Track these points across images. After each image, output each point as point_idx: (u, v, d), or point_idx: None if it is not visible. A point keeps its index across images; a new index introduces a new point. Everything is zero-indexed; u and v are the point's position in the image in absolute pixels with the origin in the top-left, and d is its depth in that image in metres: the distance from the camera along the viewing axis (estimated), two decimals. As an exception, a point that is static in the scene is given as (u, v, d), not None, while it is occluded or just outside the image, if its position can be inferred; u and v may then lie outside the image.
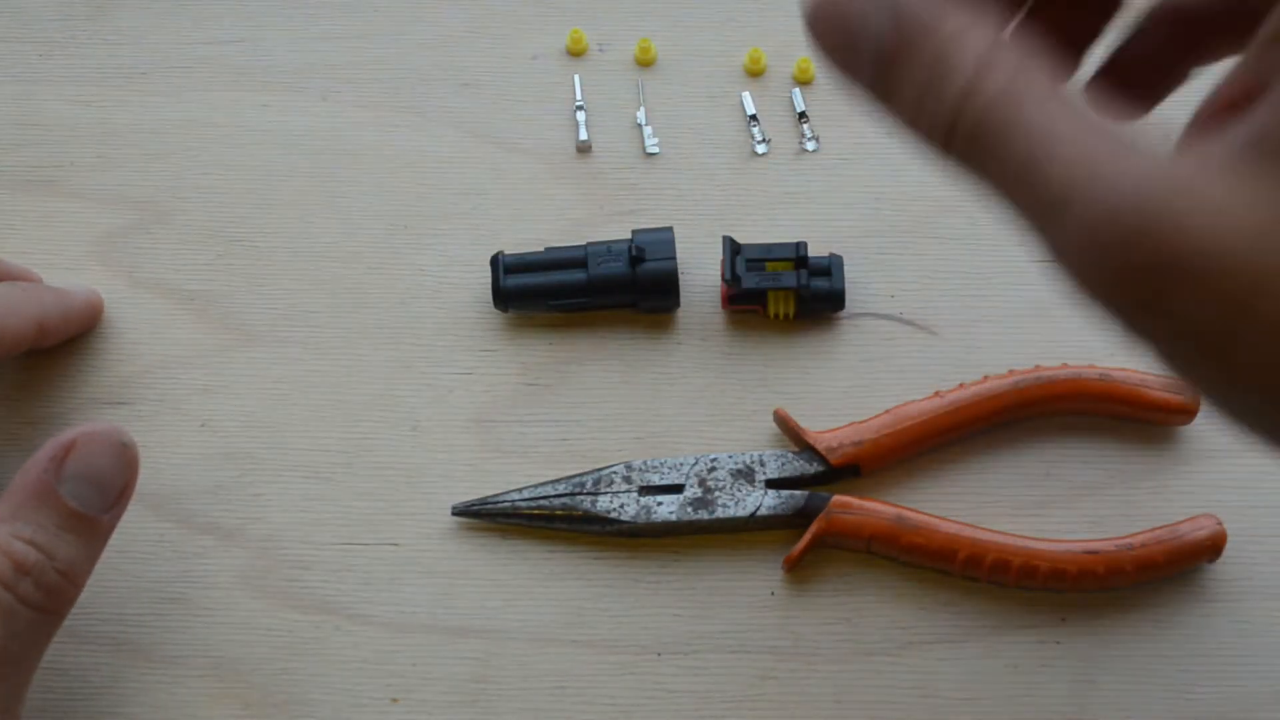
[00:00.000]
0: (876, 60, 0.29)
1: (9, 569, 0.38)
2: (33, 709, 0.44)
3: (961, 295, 0.50)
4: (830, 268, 0.49)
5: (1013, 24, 0.32)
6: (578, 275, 0.48)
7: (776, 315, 0.49)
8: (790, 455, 0.47)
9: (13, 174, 0.52)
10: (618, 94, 0.54)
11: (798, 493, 0.46)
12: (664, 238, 0.48)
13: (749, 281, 0.48)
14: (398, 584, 0.46)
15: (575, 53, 0.54)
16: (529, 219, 0.51)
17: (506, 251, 0.49)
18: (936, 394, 0.47)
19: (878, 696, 0.44)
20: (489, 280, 0.50)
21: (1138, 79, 0.35)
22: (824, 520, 0.45)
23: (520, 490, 0.46)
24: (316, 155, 0.52)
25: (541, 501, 0.46)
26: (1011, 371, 0.47)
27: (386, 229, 0.51)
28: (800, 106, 0.53)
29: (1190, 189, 0.25)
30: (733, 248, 0.48)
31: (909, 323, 0.50)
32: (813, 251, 0.49)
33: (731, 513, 0.46)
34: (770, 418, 0.48)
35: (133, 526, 0.46)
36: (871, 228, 0.51)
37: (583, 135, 0.52)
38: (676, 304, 0.49)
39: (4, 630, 0.38)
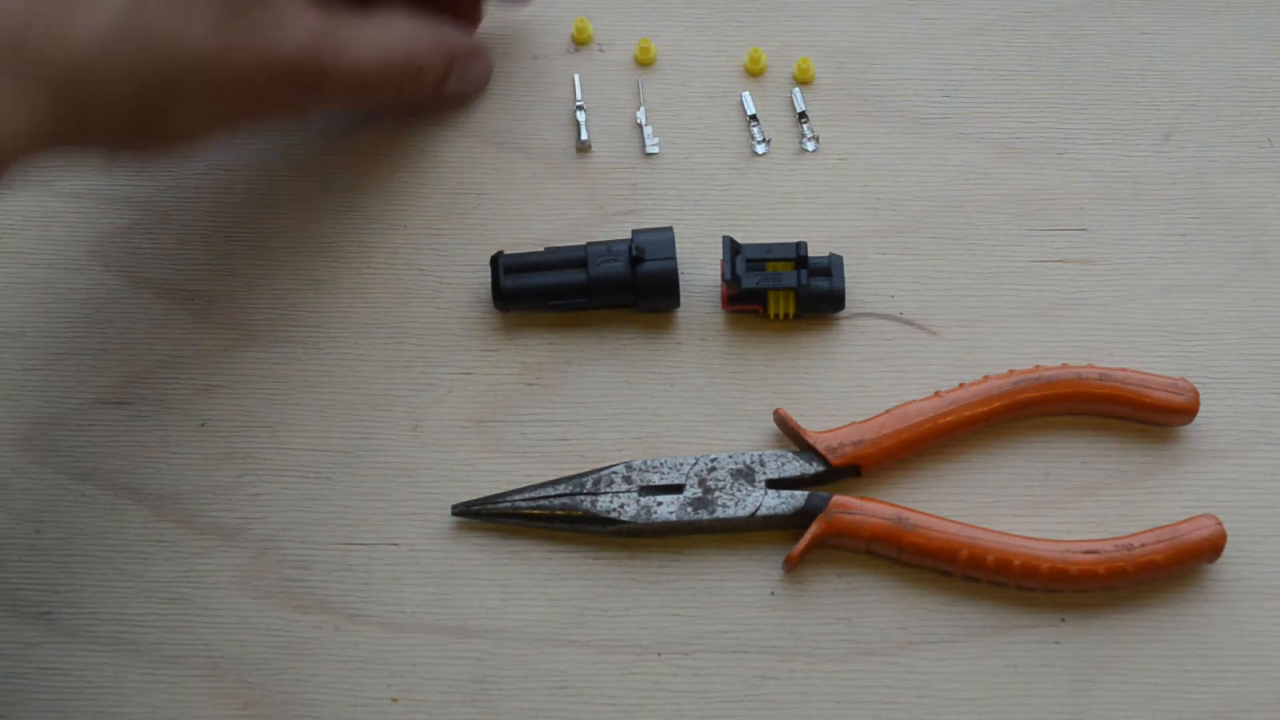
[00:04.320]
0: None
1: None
2: (33, 709, 0.44)
3: (961, 295, 0.50)
4: (830, 268, 0.49)
5: None
6: (578, 275, 0.48)
7: (776, 315, 0.49)
8: (790, 455, 0.47)
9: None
10: (618, 94, 0.54)
11: (798, 493, 0.46)
12: (664, 238, 0.48)
13: (749, 281, 0.48)
14: (397, 584, 0.46)
15: (581, 42, 0.54)
16: (529, 219, 0.51)
17: (506, 251, 0.49)
18: (936, 394, 0.47)
19: (878, 696, 0.44)
20: (489, 280, 0.50)
21: None
22: (824, 520, 0.45)
23: (520, 490, 0.46)
24: (317, 155, 0.52)
25: (541, 501, 0.46)
26: (1011, 371, 0.47)
27: (386, 229, 0.51)
28: (800, 106, 0.53)
29: None
30: (733, 248, 0.48)
31: (909, 323, 0.50)
32: (813, 251, 0.49)
33: (731, 513, 0.46)
34: (770, 418, 0.48)
35: (133, 526, 0.46)
36: (871, 228, 0.51)
37: (583, 135, 0.53)
38: (676, 304, 0.49)
39: None
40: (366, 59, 0.46)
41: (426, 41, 0.49)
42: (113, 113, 0.40)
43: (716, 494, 0.46)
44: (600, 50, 0.55)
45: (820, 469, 0.46)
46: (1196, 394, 0.47)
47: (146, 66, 0.40)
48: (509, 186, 0.52)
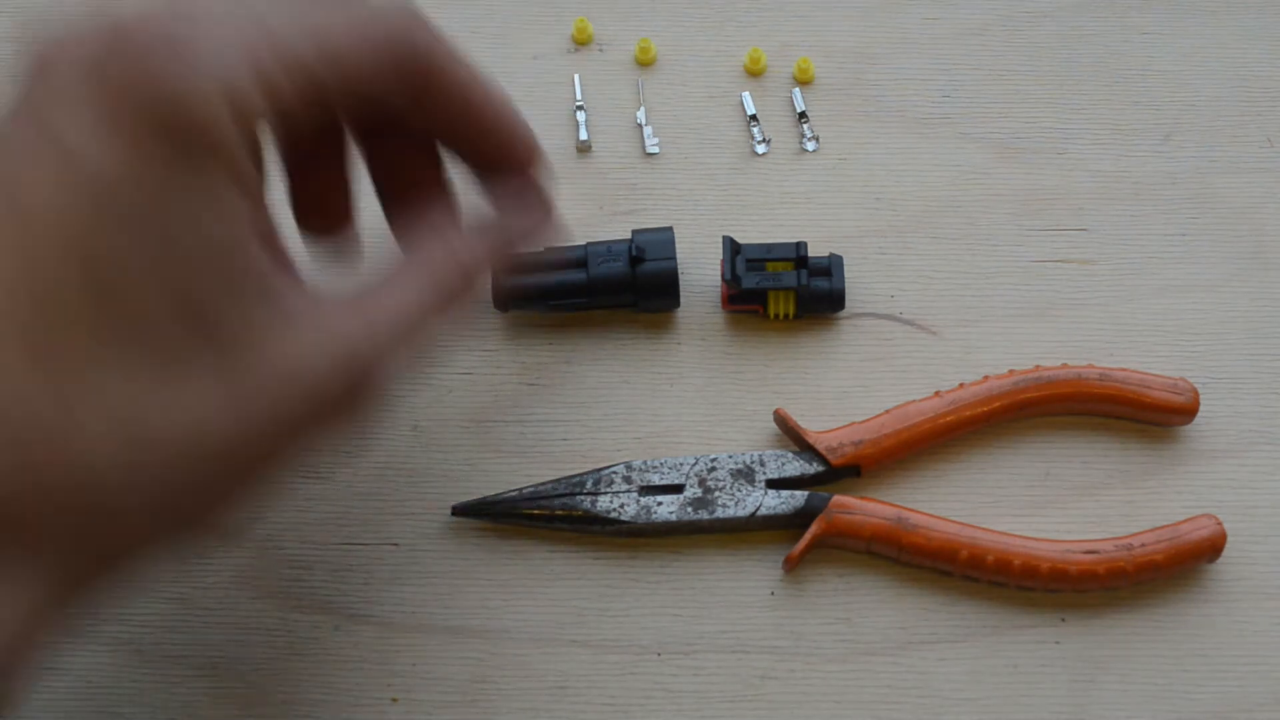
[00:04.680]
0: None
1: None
2: (32, 709, 0.44)
3: (961, 295, 0.50)
4: (830, 268, 0.49)
5: None
6: (578, 275, 0.48)
7: (776, 315, 0.49)
8: (790, 455, 0.46)
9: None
10: (618, 94, 0.54)
11: (798, 493, 0.46)
12: (664, 238, 0.48)
13: (749, 281, 0.48)
14: (398, 584, 0.46)
15: (581, 42, 0.54)
16: (529, 219, 0.51)
17: (506, 251, 0.49)
18: (936, 394, 0.47)
19: (878, 696, 0.44)
20: (489, 280, 0.49)
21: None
22: (824, 520, 0.45)
23: (520, 490, 0.46)
24: (316, 155, 0.52)
25: (541, 501, 0.46)
26: (1011, 371, 0.47)
27: (387, 229, 0.51)
28: (800, 106, 0.53)
29: None
30: (733, 248, 0.48)
31: (909, 323, 0.50)
32: (813, 251, 0.49)
33: (731, 513, 0.46)
34: (770, 418, 0.48)
35: (133, 526, 0.46)
36: (871, 228, 0.51)
37: (583, 135, 0.53)
38: (676, 304, 0.49)
39: None
40: (407, 314, 0.37)
41: (462, 248, 0.39)
42: (135, 536, 0.32)
43: (716, 494, 0.46)
44: (600, 50, 0.55)
45: (820, 469, 0.46)
46: (1196, 394, 0.47)
47: (158, 470, 0.31)
48: (509, 186, 0.52)
